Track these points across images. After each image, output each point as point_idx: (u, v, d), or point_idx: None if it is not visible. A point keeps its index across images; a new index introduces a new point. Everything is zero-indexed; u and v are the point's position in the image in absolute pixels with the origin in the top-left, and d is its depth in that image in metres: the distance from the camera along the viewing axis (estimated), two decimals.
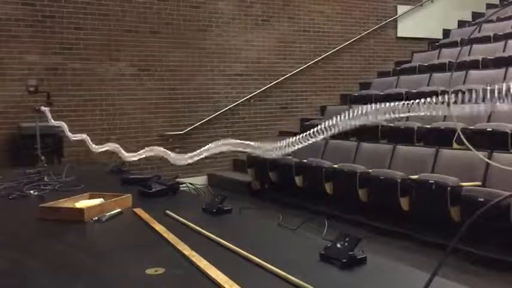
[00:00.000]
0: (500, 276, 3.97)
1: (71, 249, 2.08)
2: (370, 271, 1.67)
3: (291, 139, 1.93)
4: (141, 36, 7.68)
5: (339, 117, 1.64)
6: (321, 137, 1.77)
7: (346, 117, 1.59)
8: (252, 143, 2.38)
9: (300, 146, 1.92)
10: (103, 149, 4.07)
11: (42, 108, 5.08)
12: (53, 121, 4.99)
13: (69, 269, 1.83)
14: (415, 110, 1.42)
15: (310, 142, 1.82)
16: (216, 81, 8.29)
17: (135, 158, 3.45)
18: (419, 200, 4.80)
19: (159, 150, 3.11)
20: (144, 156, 3.30)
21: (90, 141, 4.22)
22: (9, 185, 3.45)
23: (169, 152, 2.92)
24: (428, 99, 1.31)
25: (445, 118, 5.91)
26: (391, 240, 4.88)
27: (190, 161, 2.90)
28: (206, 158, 2.73)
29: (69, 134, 4.67)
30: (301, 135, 1.89)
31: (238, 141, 2.58)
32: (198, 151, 2.79)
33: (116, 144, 3.88)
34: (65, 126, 4.77)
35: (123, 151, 3.59)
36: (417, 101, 1.36)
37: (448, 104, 1.26)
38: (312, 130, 1.79)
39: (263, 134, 8.53)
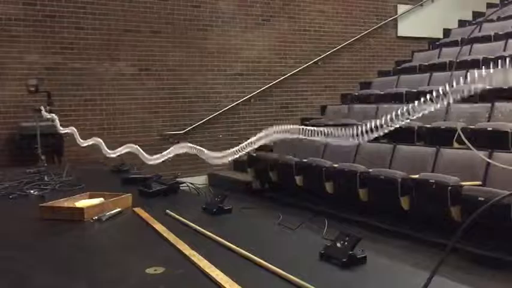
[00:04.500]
0: (500, 275, 3.96)
1: (71, 248, 2.08)
2: (370, 270, 1.67)
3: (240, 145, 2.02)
4: (142, 36, 7.67)
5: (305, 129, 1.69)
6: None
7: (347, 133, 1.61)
8: (204, 150, 2.54)
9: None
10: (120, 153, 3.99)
11: (49, 115, 5.08)
12: (61, 128, 5.00)
13: (69, 268, 1.83)
14: (418, 111, 1.43)
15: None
16: (217, 80, 8.29)
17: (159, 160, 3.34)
18: (419, 199, 4.80)
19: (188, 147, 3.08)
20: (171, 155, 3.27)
21: (104, 144, 4.22)
22: (10, 184, 3.45)
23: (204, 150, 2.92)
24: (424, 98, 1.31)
25: (445, 118, 5.91)
26: (391, 240, 4.87)
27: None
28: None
29: (80, 140, 4.66)
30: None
31: (192, 145, 2.75)
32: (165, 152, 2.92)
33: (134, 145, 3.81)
34: (74, 130, 4.77)
35: (145, 154, 3.50)
36: (416, 102, 1.36)
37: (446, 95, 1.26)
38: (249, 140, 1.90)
39: None
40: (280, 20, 8.88)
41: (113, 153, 3.95)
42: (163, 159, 3.19)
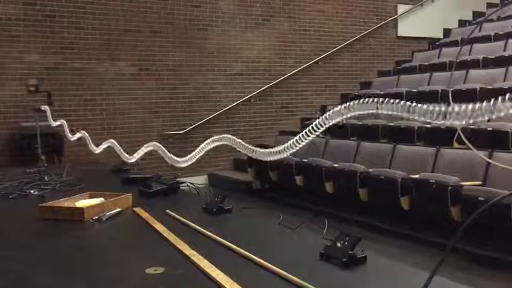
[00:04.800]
0: (500, 275, 3.97)
1: (71, 248, 2.08)
2: (370, 270, 1.67)
3: (289, 142, 1.92)
4: (142, 36, 7.67)
5: (333, 110, 1.61)
6: (319, 132, 1.75)
7: (342, 109, 1.57)
8: (249, 146, 2.37)
9: (298, 147, 1.91)
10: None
11: (43, 107, 5.06)
12: (52, 121, 4.95)
13: (69, 268, 1.83)
14: (416, 112, 1.42)
15: (308, 140, 1.80)
16: (217, 80, 8.29)
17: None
18: (419, 199, 4.80)
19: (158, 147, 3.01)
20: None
21: (89, 140, 4.17)
22: (10, 184, 3.45)
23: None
24: (431, 107, 1.27)
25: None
26: (391, 240, 4.88)
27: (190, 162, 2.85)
28: (206, 156, 2.68)
29: (68, 134, 4.60)
30: (298, 135, 1.88)
31: (238, 140, 2.55)
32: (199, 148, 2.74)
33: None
34: (65, 124, 4.72)
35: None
36: (419, 105, 1.34)
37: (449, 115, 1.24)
38: (308, 128, 1.78)
39: (263, 134, 8.53)
40: (280, 20, 8.88)
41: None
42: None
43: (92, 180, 3.67)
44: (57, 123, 4.82)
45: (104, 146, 3.86)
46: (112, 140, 3.75)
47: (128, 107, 7.57)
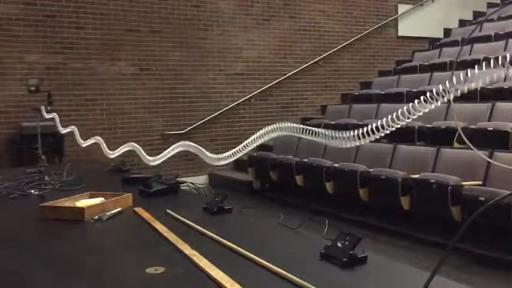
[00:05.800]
0: (500, 275, 3.97)
1: (71, 248, 2.08)
2: (371, 270, 1.67)
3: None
4: (142, 36, 7.67)
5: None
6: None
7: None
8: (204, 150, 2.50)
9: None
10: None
11: (50, 114, 5.03)
12: (62, 127, 4.93)
13: (69, 268, 1.83)
14: (419, 109, 1.44)
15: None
16: (217, 80, 8.29)
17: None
18: (420, 199, 4.80)
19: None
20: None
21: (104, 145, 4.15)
22: (10, 184, 3.45)
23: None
24: (428, 94, 1.32)
25: (446, 117, 5.91)
26: (391, 240, 4.88)
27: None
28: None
29: (79, 139, 4.55)
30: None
31: (192, 144, 2.71)
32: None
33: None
34: (75, 130, 4.69)
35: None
36: (416, 101, 1.37)
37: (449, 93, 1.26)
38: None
39: None
40: (280, 20, 8.87)
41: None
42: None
43: (92, 180, 3.67)
44: (68, 129, 4.81)
45: (121, 150, 3.85)
46: (133, 143, 3.76)
47: (128, 107, 7.57)
